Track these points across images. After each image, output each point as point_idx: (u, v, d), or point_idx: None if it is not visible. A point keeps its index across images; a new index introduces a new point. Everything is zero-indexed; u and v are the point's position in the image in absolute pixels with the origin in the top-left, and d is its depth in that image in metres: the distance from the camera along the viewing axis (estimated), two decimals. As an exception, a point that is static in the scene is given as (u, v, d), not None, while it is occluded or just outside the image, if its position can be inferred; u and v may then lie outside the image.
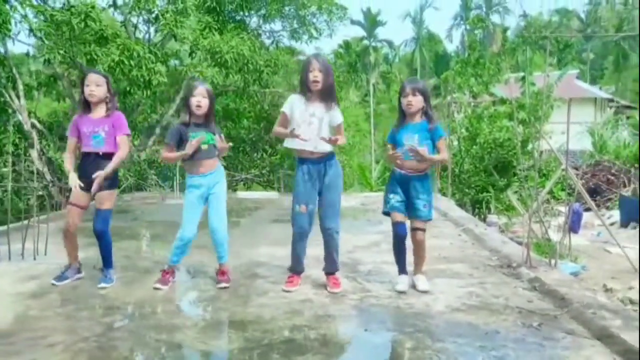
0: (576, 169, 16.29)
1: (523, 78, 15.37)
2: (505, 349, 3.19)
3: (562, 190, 13.44)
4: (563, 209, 11.07)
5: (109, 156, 4.29)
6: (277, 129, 4.26)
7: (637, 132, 18.62)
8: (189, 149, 4.13)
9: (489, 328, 3.51)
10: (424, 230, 4.32)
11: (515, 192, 12.75)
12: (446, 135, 4.36)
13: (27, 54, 10.66)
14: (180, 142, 4.23)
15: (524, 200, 10.81)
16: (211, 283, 4.49)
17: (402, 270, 4.39)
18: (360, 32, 41.54)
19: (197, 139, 4.13)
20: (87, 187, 4.29)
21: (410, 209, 4.30)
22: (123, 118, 4.37)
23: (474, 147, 13.55)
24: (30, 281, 4.49)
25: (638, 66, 34.50)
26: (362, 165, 22.02)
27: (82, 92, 4.32)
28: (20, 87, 11.14)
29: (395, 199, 4.27)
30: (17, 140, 11.38)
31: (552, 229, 8.58)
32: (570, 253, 7.98)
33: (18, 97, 11.22)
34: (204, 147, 4.21)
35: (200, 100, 4.19)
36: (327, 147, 4.13)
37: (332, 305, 3.96)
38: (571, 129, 6.95)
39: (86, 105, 4.34)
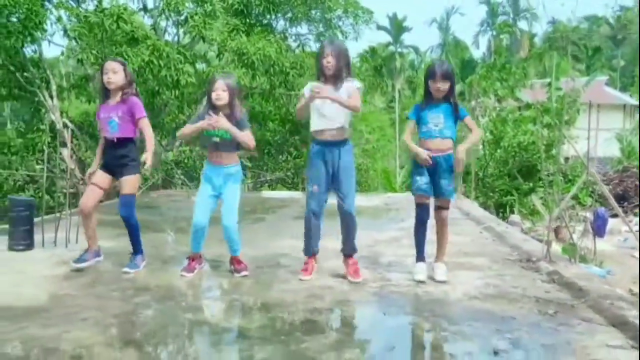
0: (603, 175, 16.10)
1: (550, 84, 15.28)
2: (520, 332, 3.26)
3: (589, 196, 13.32)
4: (589, 214, 10.99)
5: (122, 141, 4.44)
6: (298, 106, 4.41)
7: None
8: (202, 123, 4.24)
9: (505, 314, 3.58)
10: (448, 208, 4.45)
11: (541, 197, 12.68)
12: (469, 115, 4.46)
13: (62, 53, 11.01)
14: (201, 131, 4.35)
15: (548, 205, 10.75)
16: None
17: (420, 257, 4.45)
18: (386, 37, 41.68)
19: (213, 118, 4.19)
20: (109, 171, 4.50)
21: (435, 188, 4.39)
22: (139, 102, 4.49)
23: (498, 150, 13.54)
24: (63, 265, 4.68)
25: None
26: (386, 170, 22.09)
27: (101, 81, 4.46)
28: (54, 87, 11.50)
29: (422, 180, 4.34)
30: (49, 139, 11.75)
31: (577, 234, 8.54)
32: (595, 258, 7.93)
33: (51, 97, 11.58)
34: (216, 139, 4.31)
35: (219, 93, 4.26)
36: (345, 122, 4.26)
37: (352, 292, 4.07)
38: (599, 135, 6.97)
39: (106, 93, 4.48)
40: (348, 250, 4.46)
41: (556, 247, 6.82)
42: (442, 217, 4.42)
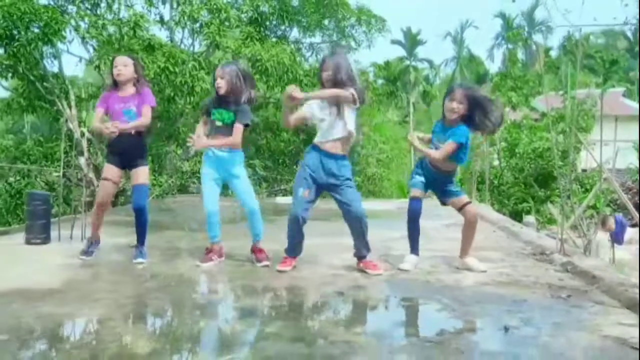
0: (622, 185, 15.91)
1: (565, 92, 15.22)
2: (532, 312, 3.24)
3: (608, 205, 13.17)
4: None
5: (139, 131, 4.51)
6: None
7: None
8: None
9: (517, 298, 3.56)
10: (471, 202, 4.44)
11: (561, 206, 12.53)
12: (456, 142, 4.32)
13: (80, 60, 11.23)
14: (208, 115, 4.45)
15: (565, 214, 10.62)
16: (248, 261, 4.63)
17: (413, 249, 4.45)
18: (400, 51, 41.83)
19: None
20: (120, 164, 4.57)
21: (445, 195, 4.43)
22: (150, 92, 4.56)
23: (513, 158, 13.47)
24: (77, 257, 4.72)
25: None
26: (401, 184, 22.03)
27: (112, 74, 4.52)
28: (72, 97, 11.72)
29: (419, 179, 4.41)
30: (67, 148, 11.95)
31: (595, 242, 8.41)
32: (614, 266, 7.80)
33: (69, 107, 11.79)
34: (219, 123, 4.37)
35: (218, 82, 4.31)
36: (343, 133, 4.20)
37: (363, 279, 4.08)
38: (617, 147, 6.93)
39: (115, 86, 4.53)
40: (359, 252, 4.35)
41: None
42: (472, 213, 4.38)
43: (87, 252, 4.65)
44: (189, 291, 3.70)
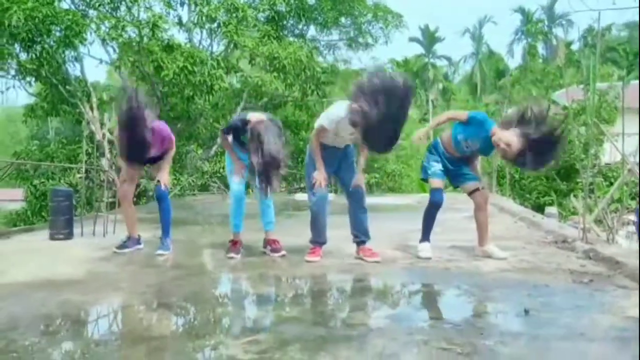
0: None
1: (587, 84, 14.99)
2: (553, 296, 3.20)
3: (633, 198, 12.92)
4: (633, 217, 10.65)
5: (159, 156, 4.70)
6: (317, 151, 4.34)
7: None
8: (237, 169, 4.45)
9: (538, 283, 3.52)
10: (484, 187, 4.38)
11: (584, 198, 12.33)
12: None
13: (100, 61, 11.43)
14: (235, 134, 4.47)
15: (590, 207, 10.38)
16: (266, 253, 4.64)
17: (426, 237, 4.43)
18: (418, 49, 41.61)
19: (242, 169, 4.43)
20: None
21: (459, 180, 4.39)
22: (162, 126, 4.56)
23: (535, 151, 13.31)
24: (100, 250, 4.81)
25: None
26: (421, 183, 21.88)
27: None
28: (94, 99, 11.91)
29: (438, 167, 4.33)
30: (89, 150, 12.13)
31: (620, 237, 8.26)
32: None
33: (92, 109, 11.98)
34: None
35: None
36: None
37: (382, 267, 4.07)
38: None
39: None
40: (360, 237, 4.34)
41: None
42: (484, 197, 4.32)
43: (121, 246, 4.73)
44: (209, 280, 3.74)
